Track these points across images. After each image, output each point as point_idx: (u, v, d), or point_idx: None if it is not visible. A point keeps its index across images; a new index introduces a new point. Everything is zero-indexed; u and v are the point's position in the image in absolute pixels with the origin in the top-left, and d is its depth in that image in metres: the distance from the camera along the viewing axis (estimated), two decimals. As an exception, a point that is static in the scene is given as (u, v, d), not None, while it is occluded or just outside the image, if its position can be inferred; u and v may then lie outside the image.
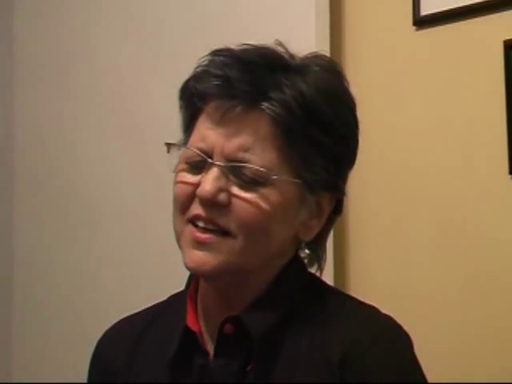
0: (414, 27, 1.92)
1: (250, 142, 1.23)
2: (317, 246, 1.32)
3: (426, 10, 1.90)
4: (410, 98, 1.95)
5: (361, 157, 1.91)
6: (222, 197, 1.21)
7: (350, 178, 1.95)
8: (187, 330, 1.27)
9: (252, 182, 1.22)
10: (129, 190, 2.29)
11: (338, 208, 1.30)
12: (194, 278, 1.31)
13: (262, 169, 1.21)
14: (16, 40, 2.54)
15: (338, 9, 2.04)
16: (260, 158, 1.23)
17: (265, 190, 1.22)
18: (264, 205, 1.22)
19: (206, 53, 1.26)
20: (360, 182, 1.88)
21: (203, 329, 1.29)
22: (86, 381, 1.42)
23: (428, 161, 1.91)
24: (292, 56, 1.26)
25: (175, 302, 1.35)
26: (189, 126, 1.29)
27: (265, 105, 1.21)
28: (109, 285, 2.31)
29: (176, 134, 1.32)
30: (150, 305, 1.41)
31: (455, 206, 1.87)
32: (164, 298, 1.41)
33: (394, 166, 1.97)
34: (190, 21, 2.17)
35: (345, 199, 1.36)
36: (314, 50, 1.29)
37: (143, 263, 2.24)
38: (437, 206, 1.89)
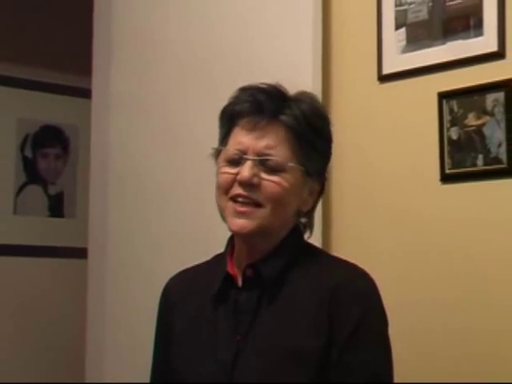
0: (378, 81, 2.12)
1: (272, 143, 1.47)
2: (309, 215, 1.58)
3: (386, 69, 2.11)
4: (375, 131, 2.13)
5: (342, 168, 2.19)
6: (255, 180, 1.46)
7: (338, 180, 2.22)
8: (227, 274, 1.52)
9: (274, 169, 1.46)
10: (184, 185, 2.48)
11: (321, 189, 1.58)
12: (231, 241, 1.55)
13: (281, 159, 1.47)
14: (113, 88, 2.74)
15: (328, 66, 2.22)
16: (279, 153, 1.47)
17: (283, 175, 1.47)
18: (283, 184, 1.47)
19: (226, 88, 1.52)
20: (341, 184, 2.17)
21: (237, 273, 1.53)
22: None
23: (385, 173, 2.12)
24: (287, 92, 1.53)
25: (218, 259, 1.59)
26: (225, 137, 1.52)
27: (283, 118, 1.48)
28: (171, 247, 2.48)
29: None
30: (199, 262, 1.67)
31: (401, 202, 2.08)
32: (208, 258, 1.66)
33: (362, 175, 2.16)
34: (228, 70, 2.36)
35: (326, 185, 1.63)
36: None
37: (194, 233, 2.42)
38: (391, 203, 2.10)
